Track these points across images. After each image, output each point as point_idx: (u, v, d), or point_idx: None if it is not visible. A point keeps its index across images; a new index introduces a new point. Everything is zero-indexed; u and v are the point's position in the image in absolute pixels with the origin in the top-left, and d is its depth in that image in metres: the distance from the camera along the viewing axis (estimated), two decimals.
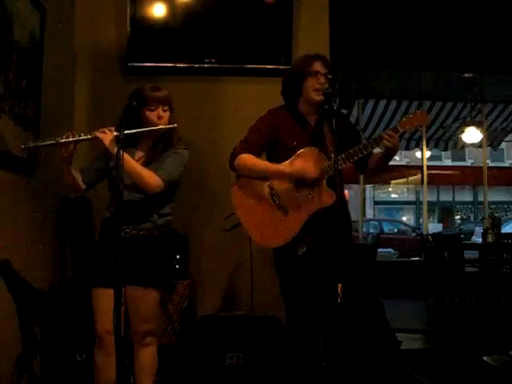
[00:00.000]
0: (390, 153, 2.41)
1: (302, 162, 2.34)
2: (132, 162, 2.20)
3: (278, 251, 2.45)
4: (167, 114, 2.34)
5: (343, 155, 2.32)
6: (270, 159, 2.46)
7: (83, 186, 2.34)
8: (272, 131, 2.46)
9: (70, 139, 2.15)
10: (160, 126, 2.28)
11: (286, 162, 2.39)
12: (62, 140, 2.14)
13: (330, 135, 2.38)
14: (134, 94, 2.30)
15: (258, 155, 2.46)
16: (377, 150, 2.51)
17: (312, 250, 2.37)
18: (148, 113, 2.29)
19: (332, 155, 2.28)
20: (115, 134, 2.17)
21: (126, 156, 2.07)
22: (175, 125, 2.31)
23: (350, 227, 2.56)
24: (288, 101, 2.51)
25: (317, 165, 2.34)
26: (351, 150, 2.34)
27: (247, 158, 2.43)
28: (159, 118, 2.30)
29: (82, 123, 3.50)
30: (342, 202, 2.32)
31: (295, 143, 2.39)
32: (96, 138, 2.17)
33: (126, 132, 2.03)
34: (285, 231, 2.36)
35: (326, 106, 2.35)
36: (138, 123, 2.27)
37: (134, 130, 2.18)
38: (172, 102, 2.37)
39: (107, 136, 2.17)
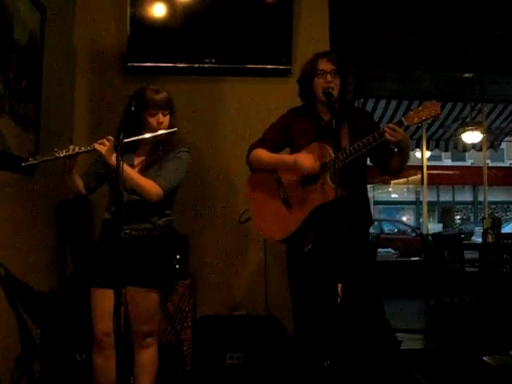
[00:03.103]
0: (399, 148, 2.33)
1: (302, 154, 2.35)
2: (132, 174, 2.19)
3: (288, 247, 2.47)
4: (167, 118, 2.30)
5: (342, 152, 2.27)
6: None
7: (84, 192, 2.35)
8: (286, 128, 2.50)
9: (70, 153, 2.14)
10: (159, 132, 2.24)
11: None
12: (62, 155, 2.14)
13: (347, 133, 2.37)
14: (134, 94, 2.26)
15: (272, 150, 2.48)
16: None
17: (318, 248, 2.35)
18: (148, 118, 2.26)
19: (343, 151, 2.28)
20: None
21: (126, 166, 2.05)
22: (175, 129, 2.27)
23: (362, 225, 2.46)
24: (305, 102, 2.53)
25: (319, 159, 2.31)
26: (350, 148, 2.29)
27: (257, 152, 2.48)
28: (159, 124, 2.26)
29: (81, 123, 3.50)
30: (348, 199, 2.25)
31: (306, 141, 2.40)
32: (95, 150, 2.17)
33: (125, 140, 1.99)
34: (286, 225, 2.37)
35: (336, 106, 2.33)
36: (137, 126, 2.25)
37: (132, 138, 2.15)
38: (173, 105, 2.33)
39: (105, 147, 2.16)
